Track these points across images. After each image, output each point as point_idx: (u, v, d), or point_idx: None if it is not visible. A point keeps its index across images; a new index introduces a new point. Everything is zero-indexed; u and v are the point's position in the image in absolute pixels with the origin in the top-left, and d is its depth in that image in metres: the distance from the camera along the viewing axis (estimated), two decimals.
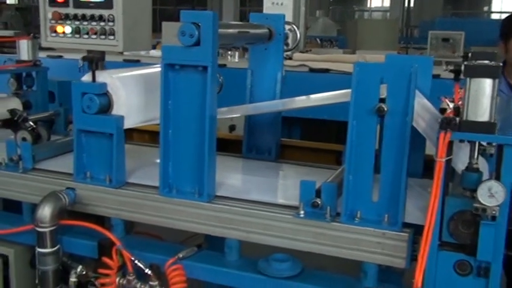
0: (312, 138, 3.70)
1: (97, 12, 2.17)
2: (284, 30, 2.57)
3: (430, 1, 21.25)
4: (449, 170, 1.64)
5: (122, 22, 2.14)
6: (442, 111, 1.90)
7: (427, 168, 2.26)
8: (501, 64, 1.60)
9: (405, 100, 1.73)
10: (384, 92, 1.76)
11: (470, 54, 1.75)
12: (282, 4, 5.50)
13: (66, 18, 2.23)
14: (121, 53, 4.63)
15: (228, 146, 2.83)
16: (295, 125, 4.61)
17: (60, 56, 5.39)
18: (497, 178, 1.55)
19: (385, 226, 1.77)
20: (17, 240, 2.26)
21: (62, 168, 2.31)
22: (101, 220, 2.21)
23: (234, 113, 2.39)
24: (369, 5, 27.91)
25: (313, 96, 2.25)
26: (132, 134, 3.12)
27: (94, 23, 2.18)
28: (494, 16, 24.63)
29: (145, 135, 3.20)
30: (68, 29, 2.24)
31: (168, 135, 2.01)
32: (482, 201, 1.52)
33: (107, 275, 2.02)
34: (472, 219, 1.59)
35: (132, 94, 2.18)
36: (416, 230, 1.76)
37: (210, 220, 1.98)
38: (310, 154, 2.86)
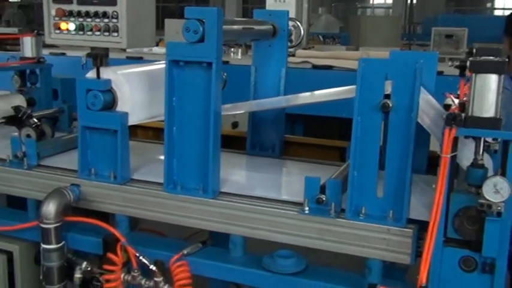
0: (315, 135, 3.70)
1: (101, 9, 2.17)
2: (288, 26, 2.57)
3: None
4: (454, 166, 1.63)
5: (126, 19, 2.14)
6: (446, 107, 1.90)
7: (431, 164, 2.26)
8: (506, 60, 1.59)
9: (410, 96, 1.72)
10: (388, 88, 1.76)
11: (474, 50, 1.74)
12: (284, 1, 5.50)
13: (70, 15, 2.23)
14: (124, 50, 4.65)
15: (231, 143, 2.83)
16: (298, 121, 4.61)
17: (63, 54, 5.40)
18: (503, 174, 1.55)
19: (389, 222, 1.77)
20: (22, 236, 2.27)
21: (66, 165, 2.32)
22: (105, 217, 2.21)
23: (238, 110, 2.39)
24: (371, 2, 27.85)
25: (317, 92, 2.25)
26: (136, 131, 3.12)
27: (98, 20, 2.18)
28: (497, 12, 24.56)
29: (149, 132, 3.20)
30: (71, 26, 2.24)
31: (173, 131, 2.01)
32: (487, 197, 1.52)
33: (111, 271, 2.03)
34: (477, 215, 1.59)
35: (136, 90, 2.18)
36: (421, 226, 1.76)
37: (215, 216, 1.98)
38: (314, 151, 2.85)
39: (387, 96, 1.75)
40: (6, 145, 2.39)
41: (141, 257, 1.99)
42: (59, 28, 2.25)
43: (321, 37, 10.16)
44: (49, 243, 2.07)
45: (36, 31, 2.94)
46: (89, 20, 2.20)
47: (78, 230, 2.19)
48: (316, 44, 7.86)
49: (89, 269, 2.12)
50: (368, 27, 9.38)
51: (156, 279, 1.98)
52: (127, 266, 2.03)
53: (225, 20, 1.96)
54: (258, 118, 2.63)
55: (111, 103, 2.13)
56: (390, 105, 1.73)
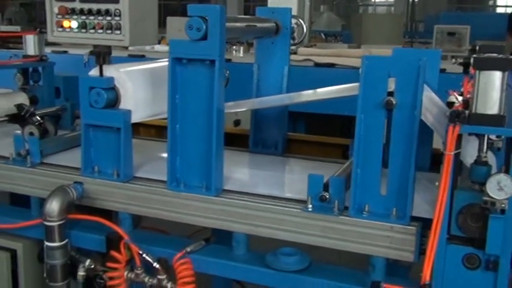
0: (317, 133, 3.69)
1: (103, 6, 2.17)
2: (291, 24, 2.57)
3: None
4: (458, 164, 1.63)
5: (129, 16, 2.14)
6: (449, 105, 1.90)
7: (434, 162, 2.26)
8: (510, 57, 1.59)
9: (414, 94, 1.72)
10: (391, 86, 1.75)
11: (477, 48, 1.74)
12: None
13: (72, 12, 2.23)
14: (126, 48, 4.64)
15: (234, 141, 2.82)
16: (299, 119, 4.61)
17: (65, 52, 5.40)
18: (506, 171, 1.55)
19: (393, 220, 1.77)
20: (26, 234, 2.27)
21: (69, 163, 2.32)
22: (108, 215, 2.22)
23: (241, 107, 2.39)
24: (373, 0, 27.79)
25: (320, 90, 2.24)
26: (139, 129, 3.12)
27: (100, 18, 2.18)
28: (499, 10, 24.51)
29: (151, 130, 3.20)
30: (74, 24, 2.24)
31: (176, 129, 2.01)
32: (491, 195, 1.52)
33: (115, 269, 2.03)
34: (480, 212, 1.59)
35: (139, 88, 2.18)
36: (424, 224, 1.76)
37: (218, 214, 1.98)
38: (317, 148, 2.85)
39: (390, 94, 1.75)
40: (9, 143, 2.39)
41: (144, 255, 1.99)
42: (62, 26, 2.26)
43: (322, 35, 10.14)
44: (52, 241, 2.07)
45: (38, 29, 2.94)
46: (91, 17, 2.20)
47: (82, 227, 2.19)
48: (318, 42, 7.85)
49: (92, 266, 2.13)
50: (370, 25, 9.38)
51: (159, 277, 1.98)
52: (130, 263, 2.03)
53: (228, 17, 1.96)
54: (261, 116, 2.63)
55: (114, 101, 2.13)
56: (394, 102, 1.73)
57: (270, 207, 1.92)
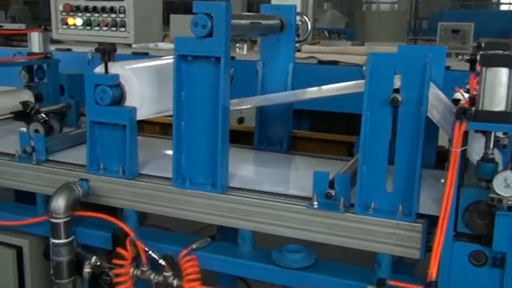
0: (321, 130, 3.69)
1: (108, 4, 2.18)
2: (296, 21, 2.56)
3: None
4: (464, 161, 1.63)
5: (133, 13, 2.15)
6: (455, 102, 1.89)
7: (439, 159, 2.26)
8: None
9: (419, 90, 1.72)
10: (397, 83, 1.75)
11: (483, 45, 1.73)
12: None
13: (77, 10, 2.24)
14: (130, 46, 4.64)
15: (238, 138, 2.83)
16: (304, 117, 4.61)
17: (69, 49, 5.40)
18: None
19: (399, 217, 1.77)
20: (31, 231, 2.28)
21: (75, 160, 2.32)
22: (114, 211, 2.22)
23: (246, 105, 2.39)
24: None
25: (325, 87, 2.24)
26: (144, 126, 3.12)
27: (105, 15, 2.19)
28: (503, 7, 24.41)
29: (156, 127, 3.21)
30: (79, 21, 2.24)
31: (181, 126, 2.01)
32: (498, 192, 1.52)
33: (121, 266, 2.04)
34: (487, 209, 1.58)
35: (144, 85, 2.18)
36: (430, 221, 1.76)
37: (224, 211, 1.98)
38: (322, 145, 2.85)
39: (396, 91, 1.74)
40: (15, 140, 2.40)
41: (150, 252, 1.99)
42: (66, 23, 2.26)
43: (326, 32, 10.14)
44: (58, 237, 2.08)
45: (43, 26, 2.94)
46: (96, 15, 2.20)
47: (87, 224, 2.19)
48: (321, 40, 7.85)
49: (98, 263, 2.13)
50: (373, 22, 9.36)
51: (165, 273, 1.98)
52: (136, 260, 2.04)
53: (233, 14, 1.95)
54: (266, 113, 2.63)
55: (119, 98, 2.13)
56: (400, 99, 1.73)
57: (275, 204, 1.92)
